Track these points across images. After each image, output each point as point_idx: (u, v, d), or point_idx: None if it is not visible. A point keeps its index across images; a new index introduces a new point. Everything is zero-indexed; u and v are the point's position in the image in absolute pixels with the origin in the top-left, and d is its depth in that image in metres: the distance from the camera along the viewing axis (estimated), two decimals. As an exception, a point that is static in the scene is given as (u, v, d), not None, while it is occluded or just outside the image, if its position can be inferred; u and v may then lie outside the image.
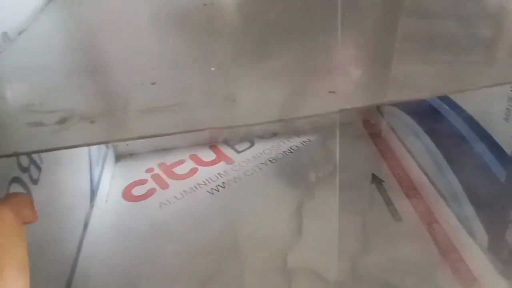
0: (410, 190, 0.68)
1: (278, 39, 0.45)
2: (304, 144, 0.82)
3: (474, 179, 0.53)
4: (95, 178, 0.72)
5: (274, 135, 0.85)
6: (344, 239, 0.63)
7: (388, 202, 0.68)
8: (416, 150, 0.69)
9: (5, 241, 0.26)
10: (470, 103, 0.52)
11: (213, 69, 0.36)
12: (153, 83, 0.36)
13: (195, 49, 0.44)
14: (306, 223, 0.66)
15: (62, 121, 0.32)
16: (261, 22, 0.51)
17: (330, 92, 0.33)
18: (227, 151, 0.81)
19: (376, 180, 0.72)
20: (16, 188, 0.47)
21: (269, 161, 0.78)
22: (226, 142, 0.84)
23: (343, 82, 0.36)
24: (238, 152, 0.81)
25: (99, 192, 0.71)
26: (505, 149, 0.46)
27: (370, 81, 0.37)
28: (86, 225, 0.63)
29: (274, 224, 0.66)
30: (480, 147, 0.50)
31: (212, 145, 0.83)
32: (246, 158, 0.79)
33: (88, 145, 0.29)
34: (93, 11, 0.61)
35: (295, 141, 0.82)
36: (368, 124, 0.84)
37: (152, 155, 0.81)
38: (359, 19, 0.51)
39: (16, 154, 0.29)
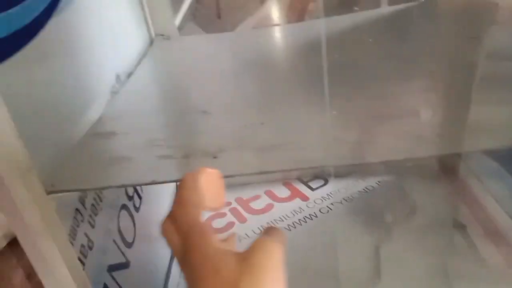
0: (495, 235, 0.66)
1: (362, 84, 0.48)
2: (379, 184, 0.82)
3: None
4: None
5: (349, 173, 0.86)
6: (425, 284, 0.62)
7: (472, 247, 0.66)
8: (498, 193, 0.67)
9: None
10: None
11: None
12: (262, 123, 0.39)
13: (289, 93, 0.48)
14: (384, 266, 0.65)
15: (187, 155, 0.36)
16: (342, 68, 0.54)
17: (418, 136, 0.34)
18: (301, 187, 0.83)
19: (458, 224, 0.70)
20: (123, 214, 0.52)
21: (344, 200, 0.79)
22: (299, 179, 0.86)
23: (430, 127, 0.37)
24: (313, 189, 0.83)
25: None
26: None
27: (455, 128, 0.38)
28: (172, 257, 0.67)
29: (351, 264, 0.66)
30: None
31: (286, 182, 0.86)
32: (321, 196, 0.80)
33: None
34: (189, 57, 0.68)
35: (370, 181, 0.83)
36: (445, 166, 0.83)
37: (229, 190, 0.84)
38: (442, 64, 0.53)
39: (153, 183, 0.33)
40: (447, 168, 0.82)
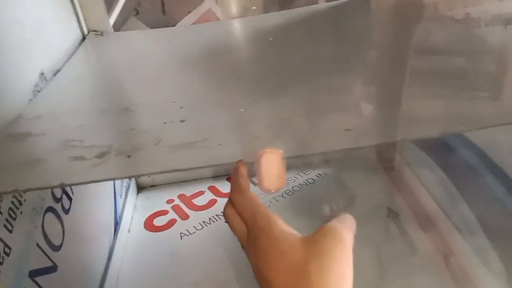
0: (426, 223, 0.69)
1: (297, 80, 0.49)
2: (320, 176, 0.84)
3: (486, 210, 0.54)
4: (119, 209, 0.74)
5: (289, 167, 0.87)
6: (361, 273, 0.64)
7: (404, 235, 0.69)
8: (430, 183, 0.70)
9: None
10: (479, 136, 0.54)
11: (242, 110, 0.39)
12: (183, 121, 0.39)
13: (217, 90, 0.48)
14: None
15: (101, 155, 0.35)
16: (278, 66, 0.54)
17: (346, 130, 0.35)
18: (244, 183, 0.84)
19: (392, 213, 0.73)
20: (49, 217, 0.50)
21: (286, 193, 0.80)
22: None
23: (357, 120, 0.39)
24: (255, 184, 0.83)
25: (123, 223, 0.74)
26: (516, 183, 0.48)
27: (384, 119, 0.40)
28: (110, 255, 0.66)
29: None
30: (490, 179, 0.52)
31: (229, 177, 0.86)
32: (263, 191, 0.81)
33: (128, 177, 0.32)
34: (121, 53, 0.66)
35: (311, 174, 0.85)
36: (382, 158, 0.86)
37: (172, 187, 0.84)
38: (370, 58, 0.54)
39: (62, 186, 0.32)
40: (384, 160, 0.85)
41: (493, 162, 0.51)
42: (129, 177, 0.31)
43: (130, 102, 0.46)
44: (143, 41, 0.71)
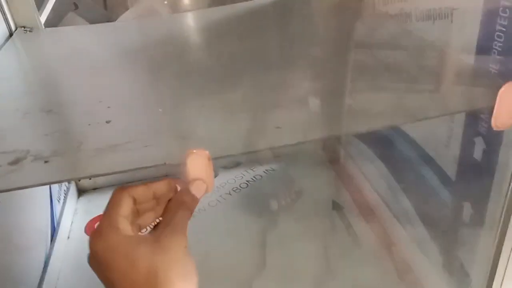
0: (369, 214, 0.71)
1: (233, 77, 0.48)
2: (267, 172, 0.83)
3: (423, 201, 0.56)
4: (57, 215, 0.71)
5: (238, 164, 0.87)
6: (308, 266, 0.64)
7: (349, 228, 0.70)
8: (371, 176, 0.72)
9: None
10: (416, 130, 0.55)
11: (160, 110, 0.37)
12: (108, 122, 0.37)
13: (150, 89, 0.46)
14: (270, 252, 0.67)
15: (15, 161, 0.32)
16: (216, 61, 0.53)
17: (277, 127, 0.35)
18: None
19: (336, 206, 0.74)
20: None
21: (233, 190, 0.79)
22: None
23: (293, 116, 0.38)
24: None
25: (61, 229, 0.70)
26: (448, 173, 0.49)
27: (323, 114, 0.39)
28: (46, 265, 0.62)
29: (238, 255, 0.67)
30: (426, 172, 0.53)
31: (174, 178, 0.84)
32: (220, 183, 0.80)
33: (42, 185, 0.30)
34: (51, 50, 0.62)
35: (258, 170, 0.84)
36: (329, 152, 0.87)
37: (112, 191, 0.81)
38: (312, 52, 0.54)
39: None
40: (330, 154, 0.86)
41: (428, 155, 0.53)
42: (45, 185, 0.29)
43: (55, 103, 0.43)
44: (78, 37, 0.68)
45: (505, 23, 0.39)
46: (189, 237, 0.76)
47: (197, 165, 0.31)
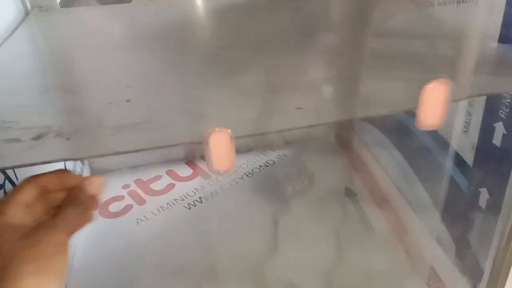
0: (382, 202, 0.70)
1: (251, 58, 0.47)
2: (279, 158, 0.83)
3: (439, 189, 0.55)
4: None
5: (250, 149, 0.87)
6: (319, 252, 0.65)
7: (361, 214, 0.70)
8: (386, 163, 0.71)
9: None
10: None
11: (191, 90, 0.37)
12: (128, 101, 0.37)
13: (168, 69, 0.46)
14: (282, 237, 0.67)
15: (38, 137, 0.32)
16: (233, 42, 0.53)
17: (298, 108, 0.34)
18: (203, 166, 0.82)
19: (349, 193, 0.74)
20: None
21: (246, 175, 0.80)
22: (203, 157, 0.85)
23: (311, 99, 0.38)
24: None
25: (75, 210, 0.71)
26: (466, 160, 0.49)
27: (338, 98, 0.39)
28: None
29: (250, 238, 0.67)
30: (443, 159, 0.53)
31: (189, 161, 0.84)
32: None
33: (64, 160, 0.30)
34: (68, 30, 0.62)
35: (271, 156, 0.84)
36: (341, 139, 0.87)
37: (129, 171, 0.81)
38: (329, 38, 0.54)
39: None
40: (343, 141, 0.86)
41: (445, 140, 0.52)
42: (67, 160, 0.29)
43: (74, 81, 0.43)
44: (93, 17, 0.68)
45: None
46: (202, 219, 0.77)
47: (219, 143, 0.30)
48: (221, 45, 0.53)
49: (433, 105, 0.31)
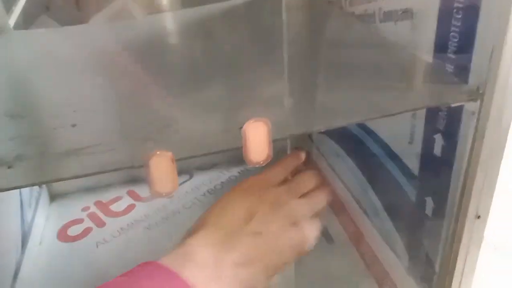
0: (339, 210, 0.72)
1: (204, 77, 0.48)
2: (241, 173, 0.84)
3: (390, 197, 0.58)
4: (28, 221, 0.70)
5: (214, 165, 0.87)
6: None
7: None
8: (342, 172, 0.73)
9: None
10: (382, 128, 0.57)
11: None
12: (74, 125, 0.37)
13: (119, 91, 0.46)
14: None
15: (-23, 167, 0.32)
16: (190, 63, 0.54)
17: (240, 128, 0.35)
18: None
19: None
20: None
21: (208, 192, 0.80)
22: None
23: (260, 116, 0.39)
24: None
25: (32, 235, 0.69)
26: (412, 170, 0.51)
27: (293, 111, 0.41)
28: (16, 272, 0.61)
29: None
30: (392, 168, 0.55)
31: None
32: (185, 191, 0.80)
33: (5, 190, 0.30)
34: (19, 53, 0.62)
35: (233, 171, 0.85)
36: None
37: (88, 193, 0.80)
38: (280, 53, 0.55)
39: None
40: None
41: (393, 151, 0.54)
42: (7, 190, 0.29)
43: (21, 107, 0.43)
44: (47, 39, 0.67)
45: (458, 24, 0.41)
46: (163, 240, 0.76)
47: (160, 167, 0.31)
48: (175, 66, 0.54)
49: (255, 143, 0.32)
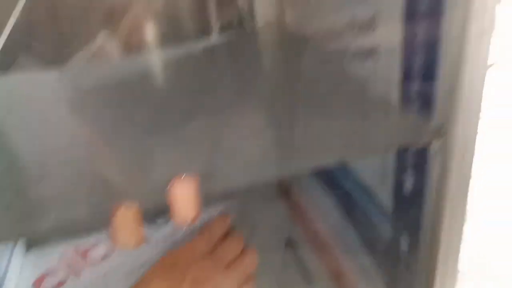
0: (320, 248, 0.72)
1: (177, 121, 0.48)
2: (221, 211, 0.83)
3: (368, 234, 0.57)
4: (1, 271, 0.67)
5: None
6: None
7: (301, 263, 0.70)
8: (322, 209, 0.73)
9: None
10: (357, 166, 0.57)
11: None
12: (41, 178, 0.37)
13: (88, 138, 0.46)
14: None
15: None
16: (163, 106, 0.54)
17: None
18: (145, 228, 0.81)
19: (290, 241, 0.75)
20: None
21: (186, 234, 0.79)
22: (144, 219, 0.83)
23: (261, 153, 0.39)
24: (156, 229, 0.81)
25: (6, 286, 0.67)
26: (386, 209, 0.51)
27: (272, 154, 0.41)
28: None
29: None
30: (367, 206, 0.55)
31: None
32: (163, 235, 0.78)
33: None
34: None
35: (211, 211, 0.84)
36: (282, 187, 0.89)
37: (66, 241, 0.78)
38: (269, 92, 0.56)
39: None
40: (284, 189, 0.88)
41: (368, 189, 0.55)
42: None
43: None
44: (21, 85, 0.67)
45: (421, 62, 0.42)
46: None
47: (124, 219, 0.31)
48: (145, 110, 0.54)
49: (183, 201, 0.31)
